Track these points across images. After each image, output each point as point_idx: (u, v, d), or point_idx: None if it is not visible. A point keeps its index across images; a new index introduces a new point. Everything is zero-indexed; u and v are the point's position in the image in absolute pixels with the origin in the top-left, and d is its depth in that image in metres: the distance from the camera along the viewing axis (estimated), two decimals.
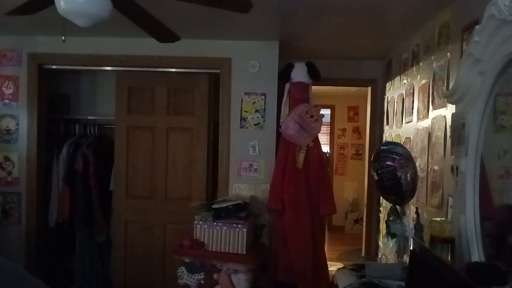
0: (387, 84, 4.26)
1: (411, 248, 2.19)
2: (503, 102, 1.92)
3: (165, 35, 2.46)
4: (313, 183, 3.68)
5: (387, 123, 4.16)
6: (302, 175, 3.64)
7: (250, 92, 3.83)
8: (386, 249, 3.64)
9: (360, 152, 7.19)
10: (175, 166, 3.94)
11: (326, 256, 3.86)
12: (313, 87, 3.92)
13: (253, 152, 3.82)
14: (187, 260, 3.29)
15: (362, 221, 5.27)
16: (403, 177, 2.29)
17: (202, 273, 3.26)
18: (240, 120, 3.84)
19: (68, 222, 4.03)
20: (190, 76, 3.93)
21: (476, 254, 1.86)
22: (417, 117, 3.19)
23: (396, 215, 2.45)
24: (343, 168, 7.45)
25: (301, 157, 3.63)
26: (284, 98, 3.82)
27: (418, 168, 2.63)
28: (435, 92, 2.83)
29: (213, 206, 3.40)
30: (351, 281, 2.12)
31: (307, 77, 3.78)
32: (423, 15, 2.96)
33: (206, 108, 3.91)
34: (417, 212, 2.42)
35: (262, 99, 3.83)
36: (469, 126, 1.95)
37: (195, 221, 3.34)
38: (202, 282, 3.25)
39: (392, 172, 2.30)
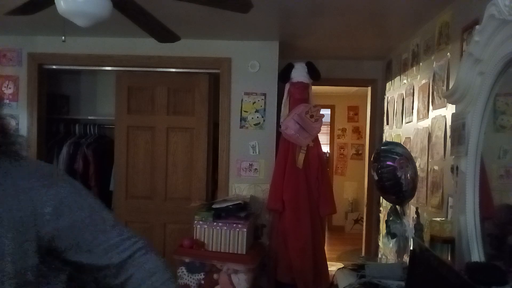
0: (387, 84, 4.26)
1: (411, 248, 2.19)
2: (503, 102, 1.92)
3: (165, 35, 2.46)
4: (313, 183, 3.68)
5: (387, 123, 4.16)
6: (302, 175, 3.64)
7: (250, 92, 3.83)
8: (386, 249, 3.64)
9: (360, 152, 7.19)
10: (175, 166, 3.94)
11: (326, 256, 3.87)
12: (313, 87, 3.92)
13: (253, 152, 3.82)
14: (187, 260, 3.29)
15: (362, 221, 5.27)
16: (403, 177, 2.29)
17: (202, 273, 3.26)
18: (240, 120, 3.84)
19: None
20: (190, 76, 3.93)
21: (476, 254, 1.86)
22: (417, 117, 3.19)
23: (396, 215, 2.45)
24: (343, 168, 7.45)
25: (301, 157, 3.63)
26: (284, 98, 3.82)
27: (418, 168, 2.63)
28: (435, 92, 2.83)
29: (213, 206, 3.40)
30: (351, 281, 2.12)
31: (307, 77, 3.78)
32: (423, 15, 2.96)
33: (206, 108, 3.90)
34: (417, 212, 2.43)
35: (262, 99, 3.83)
36: (469, 126, 1.95)
37: (195, 221, 3.33)
38: (202, 282, 3.25)
39: (392, 172, 2.30)
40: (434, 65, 2.88)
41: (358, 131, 7.32)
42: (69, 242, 0.98)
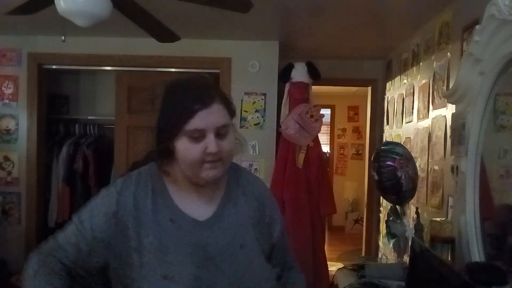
0: (387, 84, 4.26)
1: (411, 248, 2.19)
2: (503, 102, 1.92)
3: (165, 35, 2.46)
4: (313, 183, 3.68)
5: (387, 123, 4.16)
6: (302, 175, 3.64)
7: (250, 92, 3.83)
8: (386, 249, 3.64)
9: (360, 152, 7.19)
10: None
11: (326, 256, 3.86)
12: (313, 87, 3.92)
13: (253, 152, 3.82)
14: None
15: (362, 221, 5.27)
16: (403, 177, 2.29)
17: None
18: (240, 120, 3.83)
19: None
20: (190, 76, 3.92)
21: (476, 254, 1.85)
22: (417, 117, 3.19)
23: (396, 215, 2.45)
24: (343, 168, 7.45)
25: (301, 157, 3.63)
26: (284, 98, 3.82)
27: (418, 168, 2.63)
28: (435, 92, 2.83)
29: None
30: (351, 281, 2.12)
31: (307, 77, 3.77)
32: (423, 15, 2.96)
33: None
34: (417, 212, 2.42)
35: (262, 99, 3.83)
36: (469, 126, 1.95)
37: None
38: None
39: (392, 172, 2.30)
40: (434, 65, 2.88)
41: (358, 131, 7.32)
42: None
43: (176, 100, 1.10)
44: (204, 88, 1.12)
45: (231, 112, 1.15)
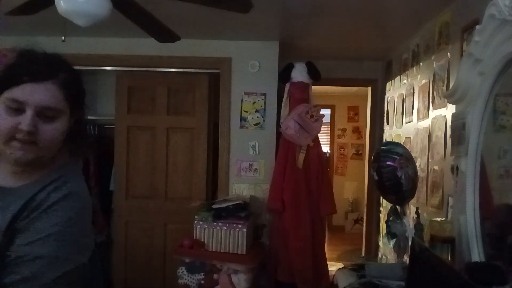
0: (387, 84, 4.26)
1: (411, 248, 2.19)
2: (503, 102, 1.92)
3: (165, 35, 2.46)
4: (313, 183, 3.68)
5: (387, 123, 4.16)
6: (302, 175, 3.64)
7: (250, 92, 3.83)
8: (386, 249, 3.64)
9: (360, 152, 7.19)
10: (175, 166, 3.94)
11: (326, 256, 3.86)
12: (313, 87, 3.92)
13: (253, 152, 3.82)
14: (187, 260, 3.29)
15: (362, 221, 5.27)
16: (403, 177, 2.29)
17: (202, 273, 3.26)
18: (240, 120, 3.84)
19: None
20: (190, 76, 3.93)
21: (476, 254, 1.86)
22: (417, 117, 3.19)
23: (396, 215, 2.45)
24: (343, 168, 7.45)
25: (301, 157, 3.63)
26: (284, 98, 3.82)
27: (418, 168, 2.63)
28: (435, 92, 2.84)
29: (213, 206, 3.39)
30: (351, 281, 2.13)
31: (307, 77, 3.77)
32: (423, 15, 2.96)
33: (206, 108, 3.90)
34: (417, 212, 2.43)
35: (262, 99, 3.83)
36: (469, 126, 1.95)
37: (195, 221, 3.33)
38: (202, 282, 3.25)
39: (392, 172, 2.30)
40: (434, 65, 2.88)
41: (358, 131, 7.33)
42: None
43: (13, 65, 1.06)
44: (45, 64, 1.07)
45: (72, 100, 1.12)
